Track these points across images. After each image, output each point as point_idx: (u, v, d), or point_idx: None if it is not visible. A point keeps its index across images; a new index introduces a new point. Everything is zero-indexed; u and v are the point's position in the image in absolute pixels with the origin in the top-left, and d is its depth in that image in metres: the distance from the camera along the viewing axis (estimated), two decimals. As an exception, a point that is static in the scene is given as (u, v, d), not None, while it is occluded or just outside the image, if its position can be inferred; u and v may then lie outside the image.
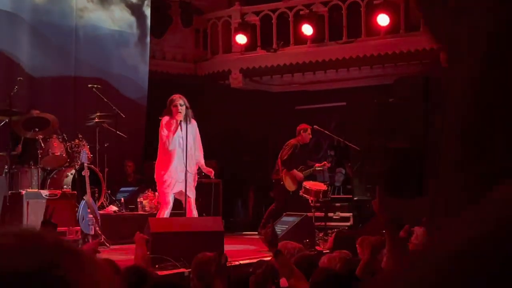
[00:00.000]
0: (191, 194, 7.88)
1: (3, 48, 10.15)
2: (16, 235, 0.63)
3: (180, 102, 7.79)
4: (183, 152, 7.72)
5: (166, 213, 7.80)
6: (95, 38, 11.50)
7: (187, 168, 7.71)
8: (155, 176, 7.99)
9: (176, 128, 7.77)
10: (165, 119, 7.80)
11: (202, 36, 13.83)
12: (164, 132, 7.76)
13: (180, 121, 7.73)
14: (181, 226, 6.94)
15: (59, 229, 8.19)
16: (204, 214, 11.01)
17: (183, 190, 7.72)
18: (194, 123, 7.96)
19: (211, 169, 8.20)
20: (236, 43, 12.96)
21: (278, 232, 8.17)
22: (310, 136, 10.29)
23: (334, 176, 12.68)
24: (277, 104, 13.52)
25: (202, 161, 8.09)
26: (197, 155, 8.01)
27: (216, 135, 12.87)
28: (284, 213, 9.06)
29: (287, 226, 8.34)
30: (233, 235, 10.35)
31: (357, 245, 5.10)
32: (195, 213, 7.90)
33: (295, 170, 9.98)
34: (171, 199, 7.84)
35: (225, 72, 13.30)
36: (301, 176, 9.99)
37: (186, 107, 7.78)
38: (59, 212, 8.29)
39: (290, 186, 9.99)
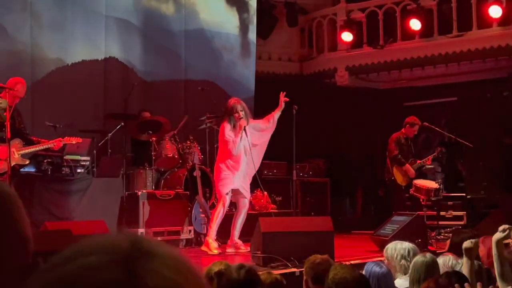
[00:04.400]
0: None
1: (117, 55, 10.61)
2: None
3: (240, 107, 7.83)
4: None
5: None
6: (203, 41, 11.79)
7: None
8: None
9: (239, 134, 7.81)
10: (227, 126, 7.80)
11: (308, 35, 13.85)
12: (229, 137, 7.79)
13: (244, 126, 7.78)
14: (291, 225, 6.98)
15: (174, 228, 8.50)
16: (312, 214, 11.05)
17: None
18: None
19: None
20: (342, 41, 12.89)
21: (388, 232, 8.08)
22: (416, 132, 10.00)
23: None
24: (385, 101, 13.32)
25: None
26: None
27: (323, 134, 12.86)
28: (395, 212, 8.90)
29: (397, 226, 8.17)
30: (342, 234, 10.28)
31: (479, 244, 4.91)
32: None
33: (407, 165, 9.71)
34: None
35: (331, 70, 13.26)
36: (413, 173, 9.72)
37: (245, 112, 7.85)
38: (173, 212, 8.58)
39: (401, 181, 9.77)
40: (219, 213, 7.82)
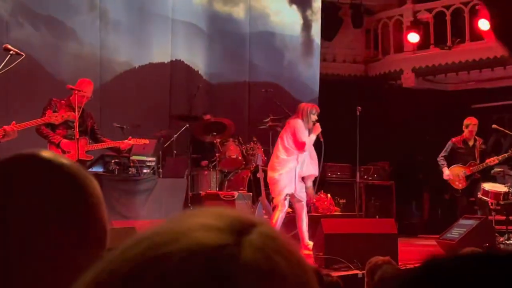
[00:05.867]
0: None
1: (183, 57, 10.77)
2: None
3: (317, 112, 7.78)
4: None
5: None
6: (267, 43, 11.83)
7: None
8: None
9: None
10: (301, 124, 7.75)
11: (373, 36, 13.71)
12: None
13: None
14: (354, 227, 6.92)
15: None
16: (377, 216, 10.91)
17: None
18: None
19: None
20: (408, 42, 12.70)
21: (455, 236, 7.89)
22: (473, 133, 9.65)
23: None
24: (452, 103, 13.03)
25: None
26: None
27: (388, 136, 12.68)
28: (463, 216, 8.68)
29: (464, 230, 7.97)
30: (408, 237, 10.11)
31: None
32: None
33: (443, 168, 9.41)
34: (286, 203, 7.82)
35: (396, 72, 13.08)
36: (446, 174, 9.36)
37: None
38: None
39: (456, 185, 9.48)
40: (277, 220, 7.71)
